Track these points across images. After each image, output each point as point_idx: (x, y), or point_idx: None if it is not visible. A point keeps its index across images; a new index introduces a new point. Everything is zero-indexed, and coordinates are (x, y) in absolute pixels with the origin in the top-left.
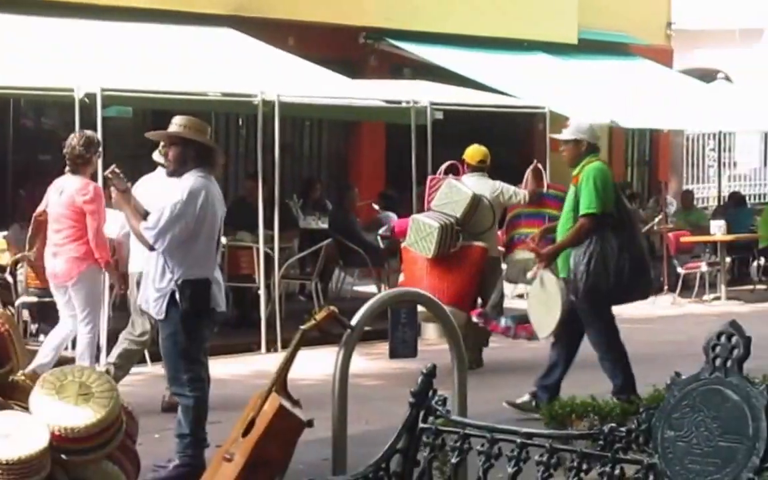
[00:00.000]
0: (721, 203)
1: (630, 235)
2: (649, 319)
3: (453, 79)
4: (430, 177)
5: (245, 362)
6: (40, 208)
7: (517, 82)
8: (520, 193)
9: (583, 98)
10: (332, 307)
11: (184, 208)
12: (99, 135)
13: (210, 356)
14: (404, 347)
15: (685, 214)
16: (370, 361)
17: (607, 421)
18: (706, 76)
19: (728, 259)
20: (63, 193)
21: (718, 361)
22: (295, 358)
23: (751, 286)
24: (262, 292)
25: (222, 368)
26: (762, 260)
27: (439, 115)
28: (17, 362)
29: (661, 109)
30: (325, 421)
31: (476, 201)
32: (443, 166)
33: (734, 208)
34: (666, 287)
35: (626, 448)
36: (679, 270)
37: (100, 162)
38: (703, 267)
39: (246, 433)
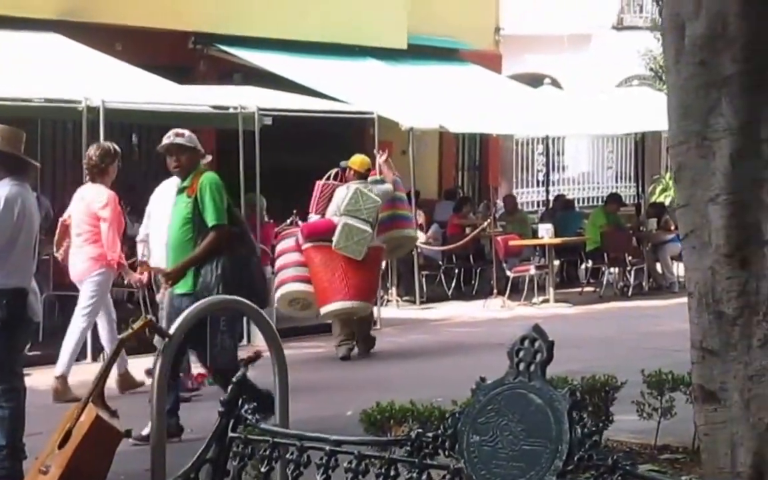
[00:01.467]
0: (549, 207)
1: (251, 244)
2: (478, 322)
3: (284, 85)
4: (320, 183)
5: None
6: (65, 214)
7: (347, 88)
8: (389, 187)
9: (412, 103)
10: (149, 316)
11: (1, 217)
12: None
13: (35, 365)
14: (223, 355)
15: (509, 217)
16: (198, 370)
17: (427, 427)
18: (535, 81)
19: (557, 262)
20: (83, 200)
21: (521, 366)
22: (113, 368)
23: (579, 289)
24: None
25: (45, 378)
26: (590, 263)
27: (268, 121)
28: None
29: (490, 114)
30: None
31: (380, 206)
32: (332, 172)
33: (562, 211)
34: (495, 290)
35: (434, 453)
36: (509, 273)
37: None
38: (532, 270)
39: (62, 444)
